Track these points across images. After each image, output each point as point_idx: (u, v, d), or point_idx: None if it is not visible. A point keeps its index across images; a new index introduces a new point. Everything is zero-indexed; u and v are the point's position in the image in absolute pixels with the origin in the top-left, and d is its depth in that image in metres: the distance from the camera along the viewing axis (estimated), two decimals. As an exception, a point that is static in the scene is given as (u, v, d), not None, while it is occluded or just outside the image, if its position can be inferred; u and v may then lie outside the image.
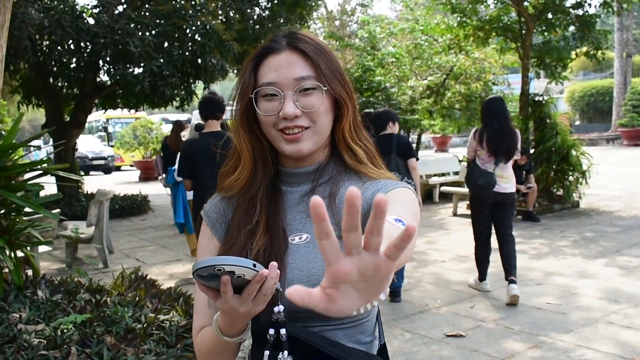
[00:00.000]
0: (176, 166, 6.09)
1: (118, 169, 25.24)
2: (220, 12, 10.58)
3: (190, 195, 5.74)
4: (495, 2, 10.67)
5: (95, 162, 23.46)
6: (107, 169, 23.99)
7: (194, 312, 1.30)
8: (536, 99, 10.20)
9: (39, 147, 19.57)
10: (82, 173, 15.45)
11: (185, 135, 8.66)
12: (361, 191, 1.16)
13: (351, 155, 1.28)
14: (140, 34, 9.28)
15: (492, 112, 5.36)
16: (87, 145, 22.82)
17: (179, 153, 5.58)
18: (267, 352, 1.13)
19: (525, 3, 9.95)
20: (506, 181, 5.30)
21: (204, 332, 1.24)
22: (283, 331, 1.12)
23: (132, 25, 9.40)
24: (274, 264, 1.02)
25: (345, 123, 1.26)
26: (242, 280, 0.99)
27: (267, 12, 11.28)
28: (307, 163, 1.29)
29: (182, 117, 26.65)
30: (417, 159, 5.95)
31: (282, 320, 1.13)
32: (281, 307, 1.12)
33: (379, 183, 1.26)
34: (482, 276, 5.59)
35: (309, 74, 1.20)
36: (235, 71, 12.01)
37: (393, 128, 5.58)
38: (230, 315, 1.07)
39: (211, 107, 4.98)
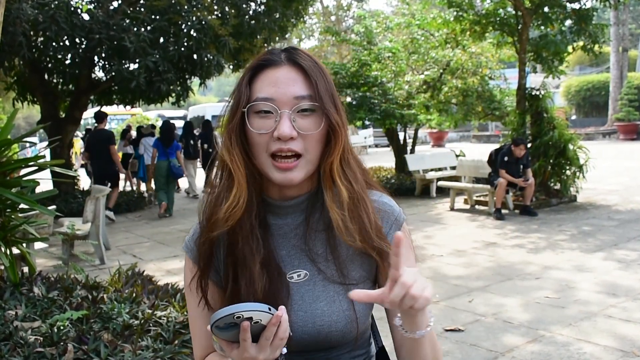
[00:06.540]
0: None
1: None
2: (215, 7, 10.56)
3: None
4: (492, -4, 10.66)
5: None
6: None
7: (194, 342, 1.25)
8: (533, 93, 10.20)
9: (34, 144, 19.43)
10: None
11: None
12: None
13: (335, 194, 1.14)
14: (135, 29, 9.26)
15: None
16: None
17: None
18: None
19: (522, -3, 9.93)
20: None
21: None
22: None
23: (127, 21, 9.38)
24: (282, 307, 0.98)
25: (336, 155, 1.13)
26: (258, 327, 0.98)
27: (262, 7, 11.25)
28: (296, 192, 1.17)
29: (179, 113, 26.59)
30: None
31: None
32: (284, 350, 1.04)
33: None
34: None
35: (309, 94, 1.10)
36: (230, 66, 11.99)
37: None
38: None
39: (102, 116, 10.20)
